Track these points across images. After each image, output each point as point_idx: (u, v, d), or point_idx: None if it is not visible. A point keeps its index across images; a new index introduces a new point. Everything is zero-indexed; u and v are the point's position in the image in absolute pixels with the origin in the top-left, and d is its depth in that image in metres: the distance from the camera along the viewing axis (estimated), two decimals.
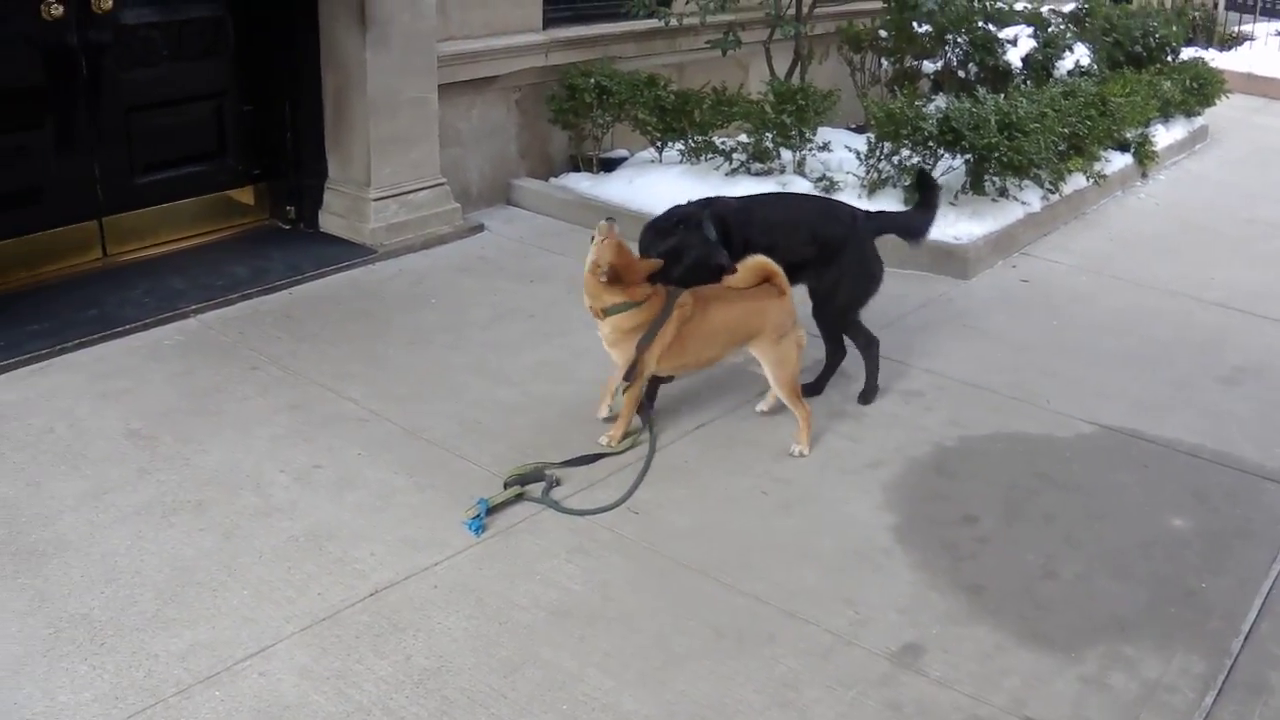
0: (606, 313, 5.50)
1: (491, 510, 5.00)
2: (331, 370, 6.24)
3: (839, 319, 6.29)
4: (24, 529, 4.79)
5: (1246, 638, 4.65)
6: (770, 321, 5.60)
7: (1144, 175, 11.23)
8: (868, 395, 6.32)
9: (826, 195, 6.65)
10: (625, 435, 5.65)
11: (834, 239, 6.12)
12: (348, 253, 7.80)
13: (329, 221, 8.12)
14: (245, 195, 8.16)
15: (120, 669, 4.06)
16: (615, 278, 5.40)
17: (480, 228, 8.42)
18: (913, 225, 6.47)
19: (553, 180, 9.25)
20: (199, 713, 3.89)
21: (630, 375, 5.52)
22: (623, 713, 4.02)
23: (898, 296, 7.73)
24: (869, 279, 6.25)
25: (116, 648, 4.16)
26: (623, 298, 5.46)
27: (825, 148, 8.97)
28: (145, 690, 3.97)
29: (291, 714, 3.92)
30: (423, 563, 4.72)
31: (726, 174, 8.69)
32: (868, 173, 8.73)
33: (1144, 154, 11.13)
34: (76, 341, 6.36)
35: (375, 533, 4.89)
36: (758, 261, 5.56)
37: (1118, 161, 10.71)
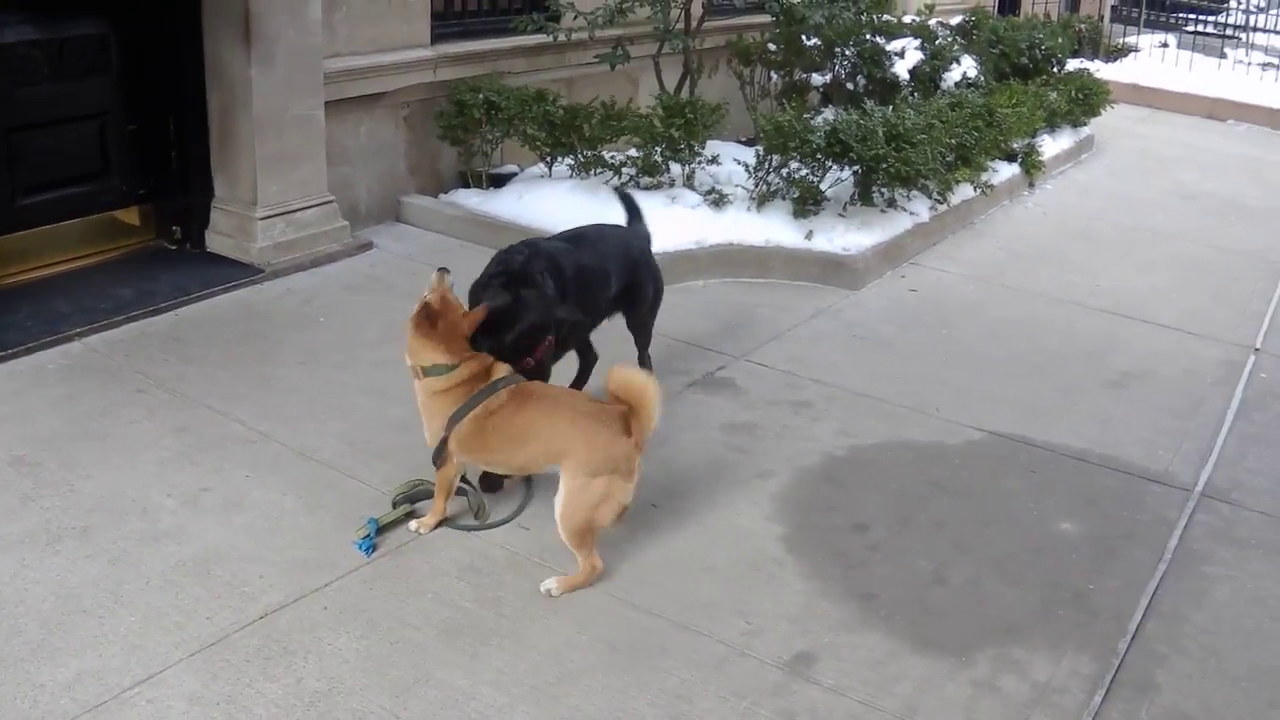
0: (425, 372, 4.88)
1: (381, 530, 4.95)
2: (219, 392, 6.15)
3: (650, 327, 6.43)
4: None
5: (1133, 638, 4.73)
6: (589, 449, 4.70)
7: (1031, 185, 11.39)
8: None
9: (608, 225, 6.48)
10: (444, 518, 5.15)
11: (643, 260, 6.26)
12: (235, 273, 7.69)
13: (216, 241, 8.01)
14: (130, 216, 8.01)
15: (5, 700, 3.97)
16: (431, 323, 4.81)
17: (369, 245, 8.35)
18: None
19: (442, 197, 9.18)
20: None
21: (437, 456, 4.94)
22: None
23: (787, 308, 7.82)
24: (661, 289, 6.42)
25: (1, 679, 4.07)
26: (441, 357, 4.84)
27: (714, 161, 8.98)
28: None
29: None
30: (313, 584, 4.66)
31: (616, 188, 8.66)
32: (756, 185, 8.77)
33: (1031, 164, 11.29)
34: None
35: (265, 555, 4.82)
36: (628, 384, 4.74)
37: (1005, 171, 10.87)
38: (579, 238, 5.98)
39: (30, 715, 3.92)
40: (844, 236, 8.54)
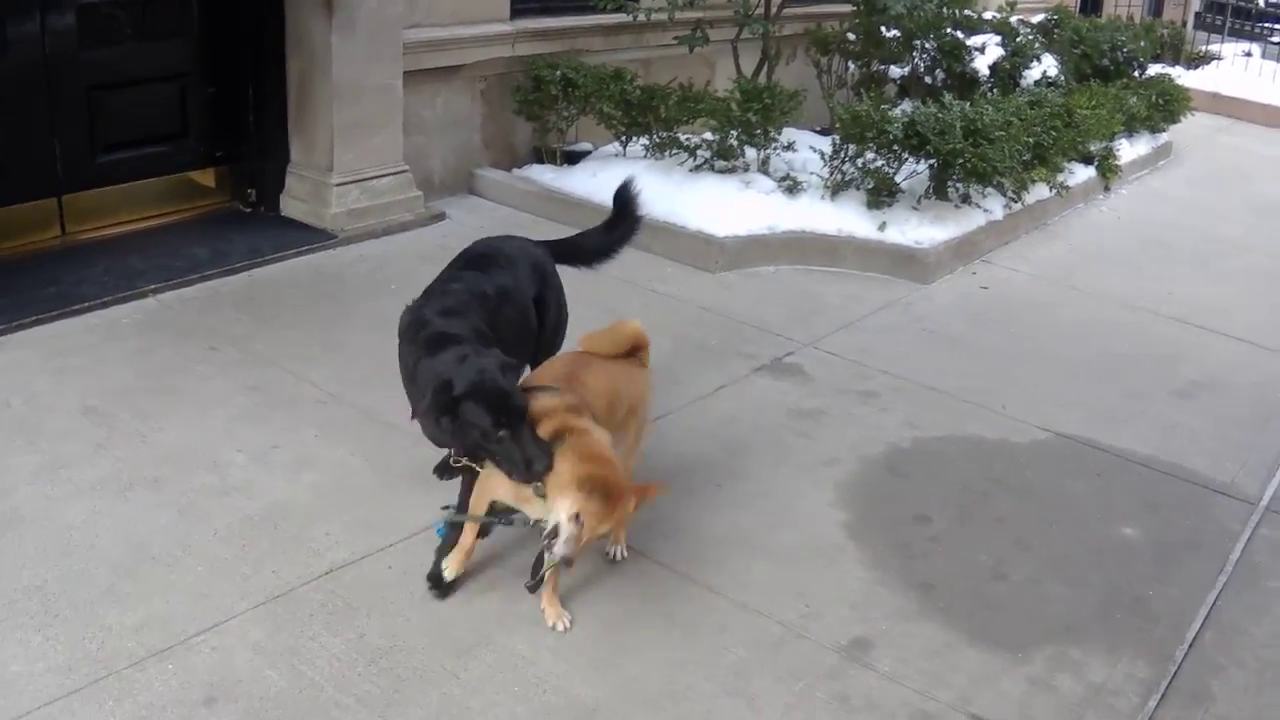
0: None
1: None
2: (291, 352, 6.21)
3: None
4: None
5: (1191, 646, 4.69)
6: (650, 394, 4.80)
7: (1106, 189, 11.29)
8: None
9: (510, 238, 5.40)
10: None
11: (550, 285, 5.27)
12: (308, 237, 7.76)
13: (290, 205, 8.09)
14: (206, 177, 8.11)
15: (73, 641, 4.04)
16: None
17: (442, 216, 8.40)
18: (586, 247, 5.68)
19: (516, 171, 9.22)
20: (151, 685, 3.88)
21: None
22: (574, 696, 4.04)
23: (857, 298, 7.80)
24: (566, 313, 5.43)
25: (70, 620, 4.14)
26: None
27: (790, 147, 8.99)
28: (98, 662, 3.96)
29: (244, 688, 3.91)
30: (378, 543, 4.71)
31: (691, 170, 8.69)
32: (831, 174, 8.74)
33: (1107, 167, 11.20)
34: (34, 318, 6.30)
35: (331, 513, 4.88)
36: (637, 331, 4.74)
37: (1081, 174, 10.77)
38: (484, 259, 5.05)
39: (97, 657, 3.98)
40: (917, 230, 8.50)
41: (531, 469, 4.01)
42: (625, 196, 5.66)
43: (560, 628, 4.30)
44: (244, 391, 5.80)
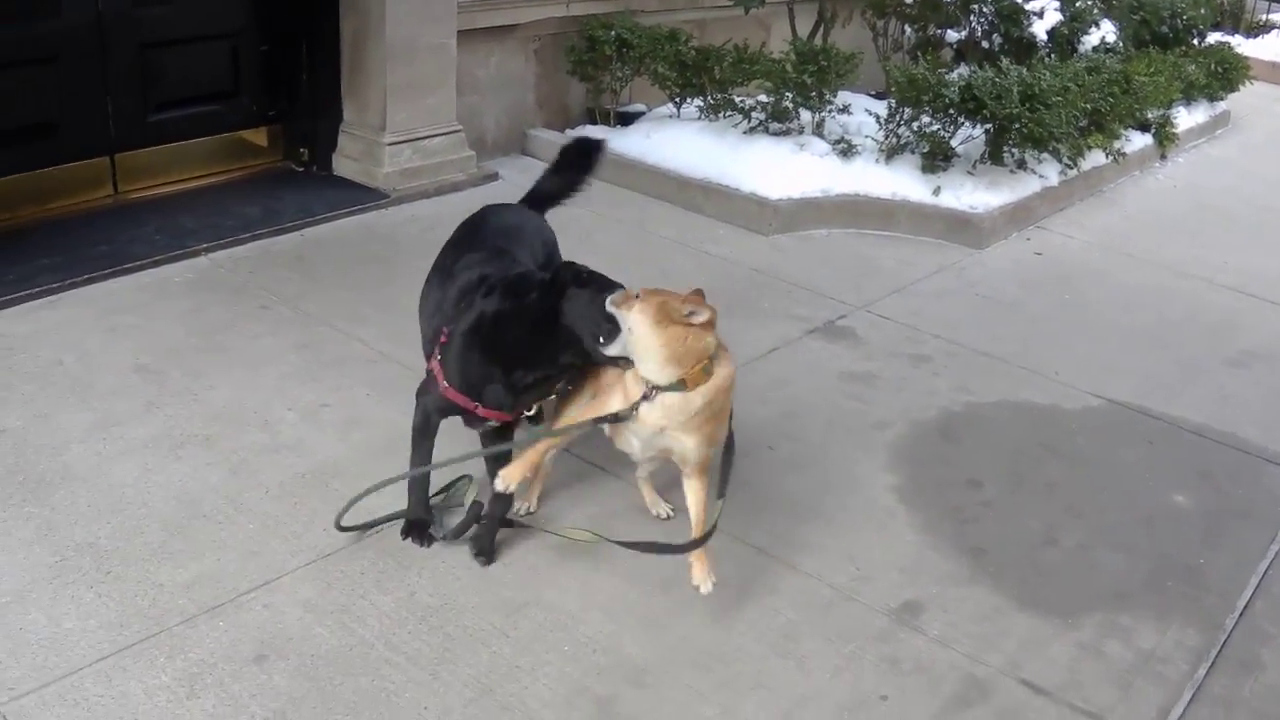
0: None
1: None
2: (342, 312, 6.22)
3: None
4: (32, 459, 4.79)
5: (1241, 615, 4.68)
6: None
7: (1163, 157, 11.17)
8: None
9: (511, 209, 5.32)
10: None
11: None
12: (360, 196, 7.76)
13: (342, 165, 8.10)
14: (259, 136, 8.13)
15: (126, 597, 4.07)
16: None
17: (495, 176, 8.39)
18: (544, 194, 5.38)
19: (569, 132, 9.14)
20: (203, 641, 3.91)
21: None
22: (623, 655, 4.06)
23: (911, 262, 7.77)
24: None
25: (122, 576, 4.17)
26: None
27: (845, 110, 8.89)
28: (150, 619, 3.99)
29: (294, 646, 3.94)
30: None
31: (745, 132, 8.64)
32: (886, 137, 8.68)
33: (1165, 135, 11.07)
34: (86, 276, 6.33)
35: (382, 471, 4.80)
36: None
37: (1138, 141, 10.65)
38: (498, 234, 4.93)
39: (149, 613, 4.01)
40: (971, 195, 8.45)
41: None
42: (582, 148, 5.44)
43: (705, 589, 4.15)
44: (295, 350, 5.82)
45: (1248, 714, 4.17)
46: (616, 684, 3.95)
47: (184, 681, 3.74)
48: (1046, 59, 10.69)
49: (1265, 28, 18.06)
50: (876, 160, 8.57)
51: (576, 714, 3.81)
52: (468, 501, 4.59)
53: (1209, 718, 4.12)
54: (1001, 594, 4.57)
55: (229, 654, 3.88)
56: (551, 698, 3.86)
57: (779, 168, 8.23)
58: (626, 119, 9.34)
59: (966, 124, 8.66)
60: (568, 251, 7.10)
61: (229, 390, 5.41)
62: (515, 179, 8.34)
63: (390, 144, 7.89)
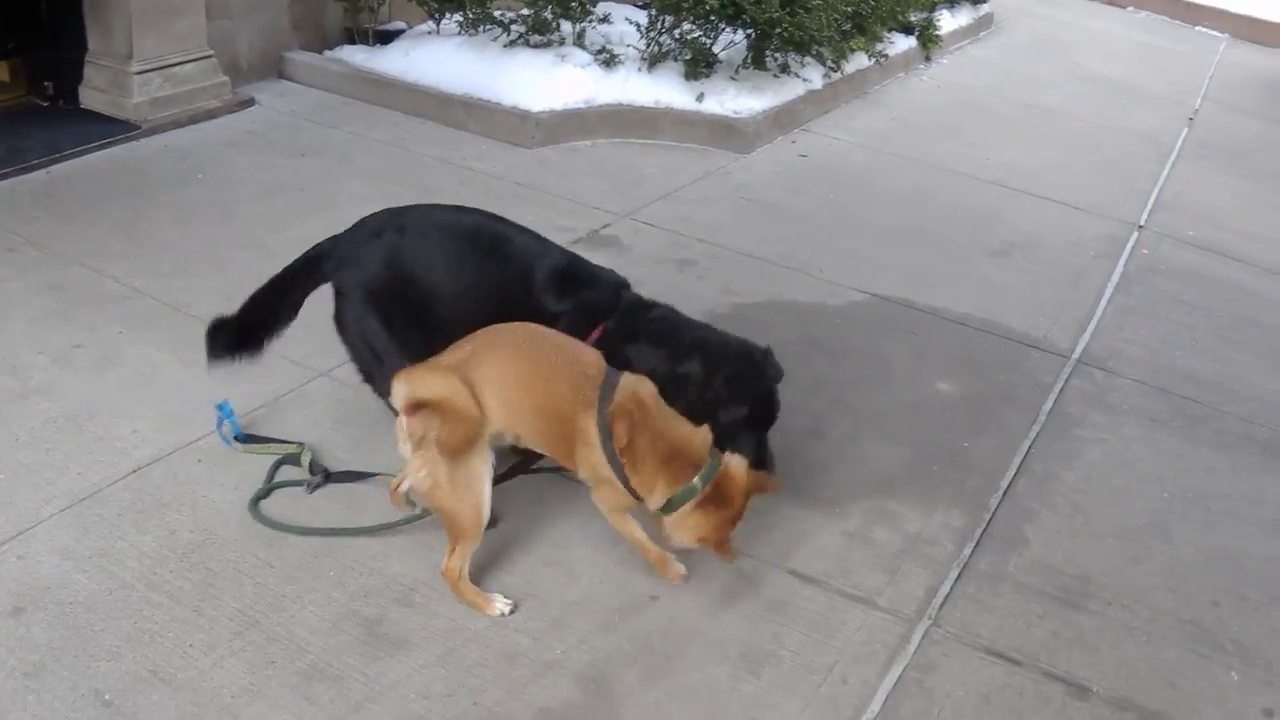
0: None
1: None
2: (93, 249, 5.98)
3: None
4: None
5: (1005, 494, 4.82)
6: None
7: (928, 59, 11.37)
8: None
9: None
10: None
11: None
12: (110, 129, 7.46)
13: (90, 97, 7.77)
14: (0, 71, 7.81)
15: None
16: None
17: (251, 102, 8.15)
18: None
19: (327, 53, 8.95)
20: None
21: None
22: (390, 576, 4.01)
23: (676, 169, 7.78)
24: None
25: None
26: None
27: (606, 20, 8.81)
28: None
29: (52, 595, 3.80)
30: (187, 437, 4.59)
31: (505, 46, 8.51)
32: (648, 46, 8.65)
33: (928, 38, 11.26)
34: None
35: (138, 410, 4.73)
36: None
37: (901, 44, 10.83)
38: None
39: None
40: (735, 100, 8.47)
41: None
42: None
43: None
44: (45, 292, 5.58)
45: (1013, 587, 4.29)
46: (385, 605, 3.90)
47: None
48: None
49: None
50: (639, 69, 8.53)
51: (345, 637, 3.76)
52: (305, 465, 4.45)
53: (975, 593, 4.24)
54: None
55: None
56: (319, 624, 3.80)
57: (541, 80, 8.13)
58: (386, 37, 9.13)
59: (728, 30, 8.67)
60: (328, 174, 6.99)
61: None
62: (273, 103, 8.16)
63: (138, 73, 7.58)
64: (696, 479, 3.77)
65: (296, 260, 4.54)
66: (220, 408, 4.56)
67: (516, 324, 4.02)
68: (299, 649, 3.69)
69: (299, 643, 3.71)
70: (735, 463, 3.86)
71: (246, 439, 4.57)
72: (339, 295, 4.44)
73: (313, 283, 4.51)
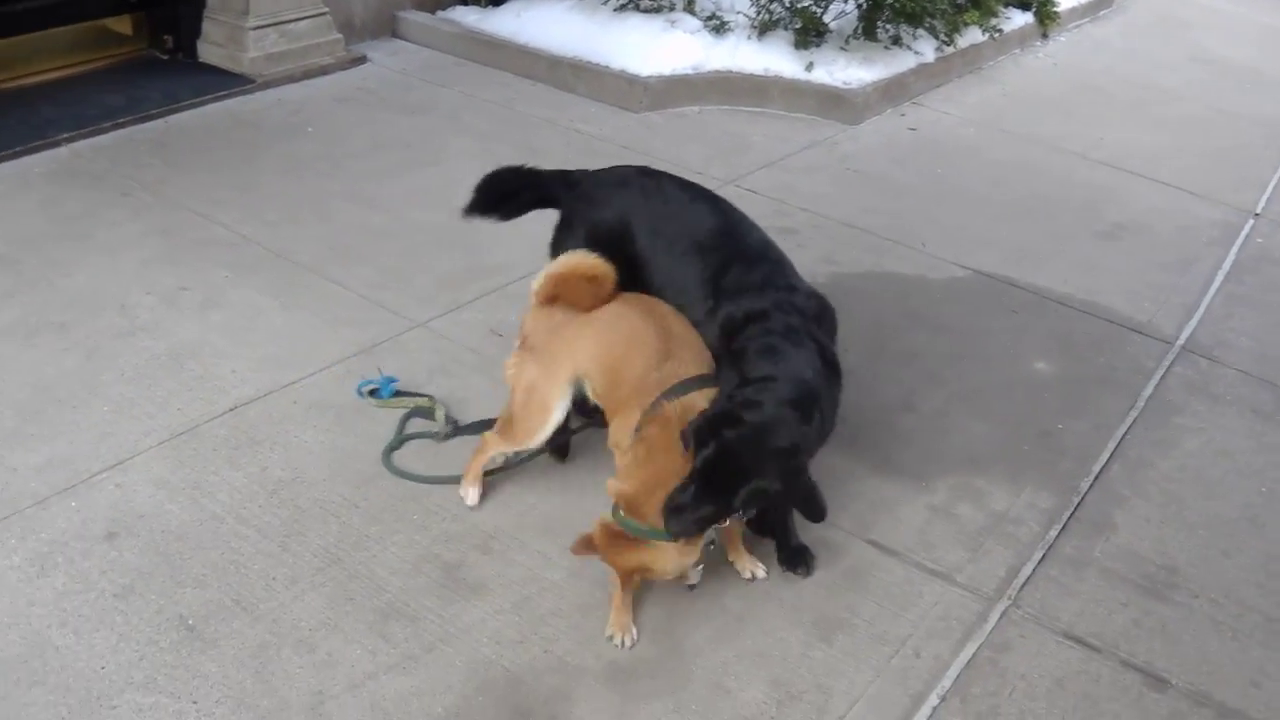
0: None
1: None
2: (203, 196, 6.14)
3: None
4: None
5: (1096, 478, 4.77)
6: None
7: (1044, 35, 11.18)
8: None
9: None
10: None
11: None
12: (225, 82, 7.62)
13: (207, 51, 7.93)
14: (122, 24, 7.96)
15: None
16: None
17: (363, 59, 8.26)
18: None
19: (440, 13, 9.00)
20: (55, 523, 3.92)
21: None
22: (472, 523, 4.11)
23: (782, 138, 7.77)
24: None
25: None
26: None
27: None
28: (3, 503, 3.98)
29: (144, 523, 3.95)
30: (284, 379, 4.73)
31: (615, 10, 8.51)
32: (758, 13, 8.61)
33: (1046, 14, 11.07)
34: None
35: (238, 351, 4.89)
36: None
37: (1018, 19, 10.65)
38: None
39: (1, 497, 4.00)
40: (845, 70, 8.43)
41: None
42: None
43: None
44: (155, 235, 5.75)
45: (1097, 573, 4.26)
46: (464, 550, 3.99)
47: (34, 561, 3.76)
48: None
49: None
50: (749, 37, 8.50)
51: (423, 579, 3.86)
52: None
53: (1058, 576, 4.21)
54: (855, 459, 4.62)
55: (80, 533, 3.89)
56: (399, 565, 3.90)
57: (650, 45, 8.15)
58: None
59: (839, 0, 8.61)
60: (436, 132, 7.07)
61: (86, 277, 5.35)
62: (385, 61, 8.27)
63: (254, 28, 7.73)
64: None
65: (551, 171, 4.57)
66: (388, 378, 4.70)
67: (657, 300, 4.06)
68: (378, 588, 3.80)
69: (378, 582, 3.83)
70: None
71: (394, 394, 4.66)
72: (563, 223, 4.43)
73: (550, 199, 4.49)
